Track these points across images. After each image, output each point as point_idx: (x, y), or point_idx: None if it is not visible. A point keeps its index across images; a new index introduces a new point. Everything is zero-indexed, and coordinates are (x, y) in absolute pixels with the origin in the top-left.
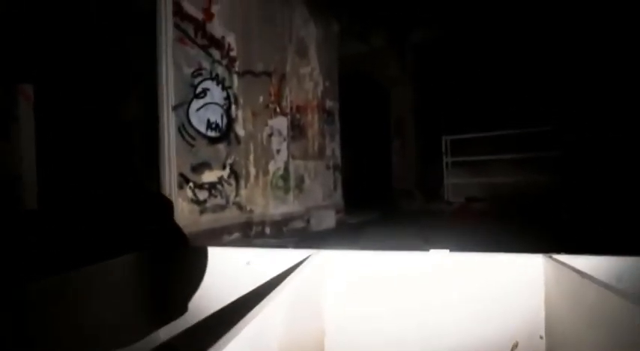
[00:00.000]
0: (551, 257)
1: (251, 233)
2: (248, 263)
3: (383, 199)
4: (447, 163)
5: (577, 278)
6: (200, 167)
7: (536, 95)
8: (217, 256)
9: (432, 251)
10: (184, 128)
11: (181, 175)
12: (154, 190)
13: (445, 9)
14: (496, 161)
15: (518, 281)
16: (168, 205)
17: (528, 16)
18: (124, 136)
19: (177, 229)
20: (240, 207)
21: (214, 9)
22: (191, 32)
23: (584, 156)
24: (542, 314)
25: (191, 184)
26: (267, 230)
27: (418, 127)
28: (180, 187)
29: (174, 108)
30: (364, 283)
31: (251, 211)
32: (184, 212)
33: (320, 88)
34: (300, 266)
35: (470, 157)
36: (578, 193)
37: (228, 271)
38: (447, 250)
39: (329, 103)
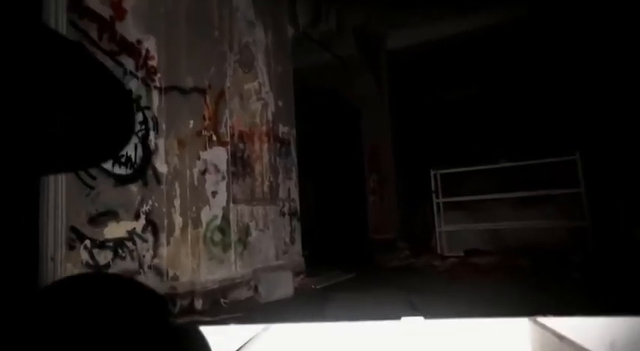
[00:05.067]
0: (536, 321)
1: (174, 309)
2: None
3: (357, 254)
4: (438, 205)
5: (559, 344)
6: (102, 217)
7: (552, 113)
8: None
9: (404, 319)
10: None
11: (73, 229)
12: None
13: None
14: (502, 201)
15: (503, 349)
16: None
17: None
18: None
19: None
20: (159, 272)
21: (127, 4)
22: (94, 33)
23: (616, 196)
24: None
25: (87, 241)
26: (198, 304)
27: (399, 158)
28: (71, 246)
29: None
30: None
31: (175, 277)
32: None
33: (270, 109)
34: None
35: (468, 196)
36: (601, 245)
37: None
38: (422, 317)
39: (282, 129)
